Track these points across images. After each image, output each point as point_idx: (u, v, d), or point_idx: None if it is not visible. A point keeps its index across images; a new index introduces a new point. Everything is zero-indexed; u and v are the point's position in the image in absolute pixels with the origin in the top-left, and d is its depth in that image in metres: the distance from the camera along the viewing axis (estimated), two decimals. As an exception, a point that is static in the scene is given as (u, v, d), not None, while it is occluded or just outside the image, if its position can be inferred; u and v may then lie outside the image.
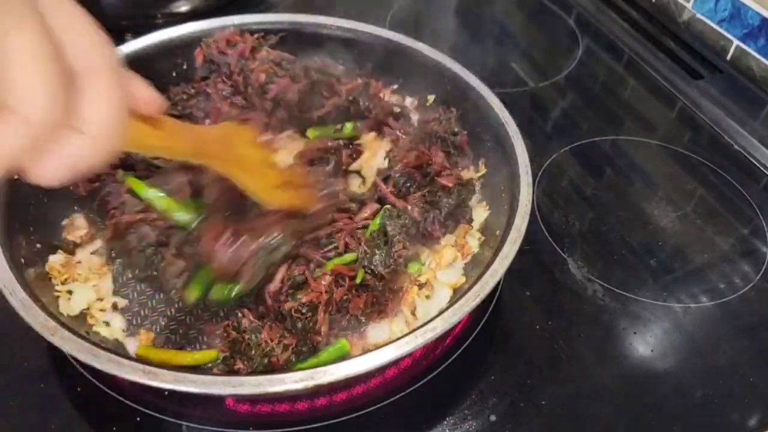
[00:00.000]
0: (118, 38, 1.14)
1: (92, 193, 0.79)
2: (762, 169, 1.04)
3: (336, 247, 0.73)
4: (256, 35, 0.94)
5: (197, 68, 0.95)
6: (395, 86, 0.98)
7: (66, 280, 0.73)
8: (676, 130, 1.11)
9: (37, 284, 0.68)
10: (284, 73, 0.88)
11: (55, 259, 0.74)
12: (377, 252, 0.71)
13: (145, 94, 0.48)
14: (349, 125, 0.89)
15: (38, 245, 0.74)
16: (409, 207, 0.77)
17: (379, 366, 0.59)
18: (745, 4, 1.17)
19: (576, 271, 0.86)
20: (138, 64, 0.90)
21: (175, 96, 0.91)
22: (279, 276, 0.70)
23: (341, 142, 0.88)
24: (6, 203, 0.71)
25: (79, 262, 0.76)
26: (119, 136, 0.41)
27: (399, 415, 0.70)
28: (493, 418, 0.70)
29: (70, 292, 0.72)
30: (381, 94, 0.94)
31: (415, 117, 0.95)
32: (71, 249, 0.77)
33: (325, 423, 0.68)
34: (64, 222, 0.79)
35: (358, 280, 0.70)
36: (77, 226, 0.79)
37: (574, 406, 0.72)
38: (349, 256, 0.72)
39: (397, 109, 0.93)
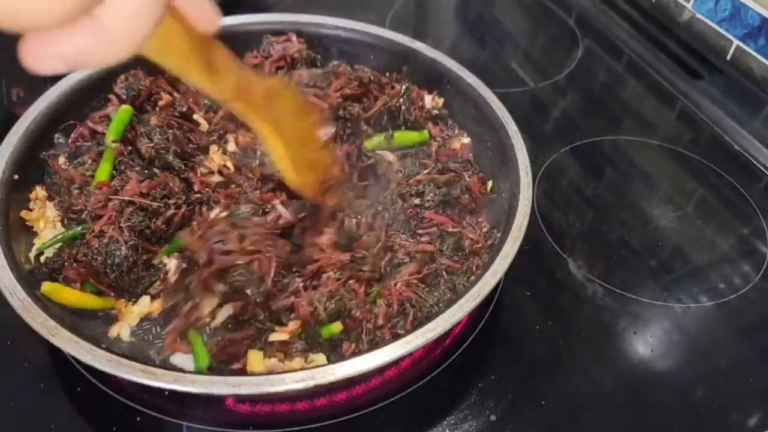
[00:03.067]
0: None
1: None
2: (762, 169, 1.03)
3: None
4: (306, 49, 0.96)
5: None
6: (435, 92, 0.96)
7: (42, 225, 0.75)
8: (676, 130, 1.11)
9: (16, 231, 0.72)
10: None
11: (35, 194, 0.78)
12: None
13: (200, 2, 0.39)
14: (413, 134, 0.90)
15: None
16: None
17: (379, 366, 0.59)
18: (745, 4, 1.17)
19: (576, 271, 0.86)
20: (138, 64, 0.91)
21: (184, 92, 0.91)
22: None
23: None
24: (5, 202, 0.72)
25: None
26: (141, 36, 0.33)
27: (399, 415, 0.70)
28: (493, 418, 0.70)
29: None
30: (421, 101, 0.93)
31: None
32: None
33: (325, 423, 0.68)
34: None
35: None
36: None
37: (574, 406, 0.72)
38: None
39: (435, 112, 0.93)
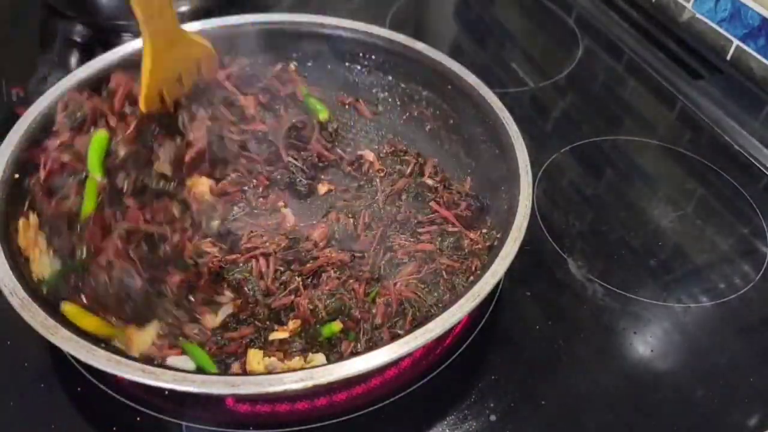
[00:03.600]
0: (118, 38, 1.14)
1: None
2: (762, 169, 1.04)
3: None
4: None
5: None
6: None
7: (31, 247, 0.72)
8: (676, 130, 1.11)
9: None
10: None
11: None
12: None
13: None
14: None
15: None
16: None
17: (379, 366, 0.59)
18: (745, 4, 1.17)
19: (576, 271, 0.86)
20: (138, 64, 0.91)
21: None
22: None
23: None
24: (5, 202, 0.72)
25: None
26: None
27: (399, 415, 0.70)
28: (493, 418, 0.70)
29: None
30: None
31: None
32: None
33: (325, 423, 0.68)
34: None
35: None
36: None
37: (574, 406, 0.72)
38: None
39: None
